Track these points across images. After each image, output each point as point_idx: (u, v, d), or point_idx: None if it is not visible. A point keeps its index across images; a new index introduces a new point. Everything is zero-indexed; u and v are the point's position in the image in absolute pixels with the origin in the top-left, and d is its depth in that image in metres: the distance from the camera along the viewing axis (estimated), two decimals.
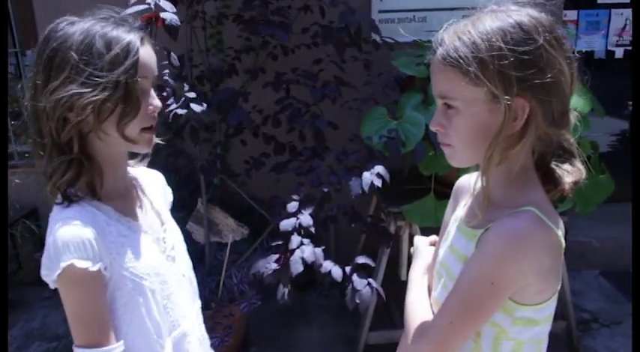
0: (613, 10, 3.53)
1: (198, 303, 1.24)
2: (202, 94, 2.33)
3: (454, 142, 0.95)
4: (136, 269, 1.03)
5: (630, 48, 3.53)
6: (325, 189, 2.15)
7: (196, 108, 2.09)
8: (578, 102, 2.26)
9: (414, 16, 3.12)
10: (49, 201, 1.03)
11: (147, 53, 1.01)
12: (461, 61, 0.88)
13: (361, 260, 2.06)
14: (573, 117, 0.95)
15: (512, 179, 0.94)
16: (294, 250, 1.98)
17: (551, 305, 0.95)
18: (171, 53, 2.10)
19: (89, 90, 0.94)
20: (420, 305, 1.07)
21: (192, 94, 2.14)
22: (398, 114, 2.43)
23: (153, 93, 1.05)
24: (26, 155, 3.29)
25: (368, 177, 2.09)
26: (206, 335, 1.25)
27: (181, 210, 2.66)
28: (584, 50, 3.53)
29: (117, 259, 1.00)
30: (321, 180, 2.17)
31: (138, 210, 1.11)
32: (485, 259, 0.90)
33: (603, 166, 2.55)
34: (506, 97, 0.86)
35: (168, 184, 1.29)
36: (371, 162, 2.15)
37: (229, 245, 2.50)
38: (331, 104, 2.49)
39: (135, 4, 1.86)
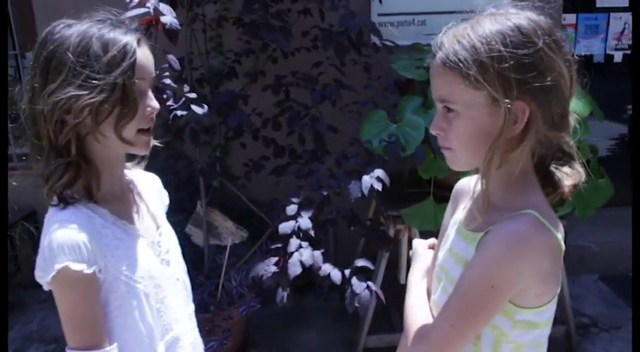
0: (612, 14, 3.53)
1: (192, 307, 1.23)
2: (202, 97, 2.33)
3: (454, 146, 0.95)
4: (131, 273, 1.02)
5: (629, 52, 3.53)
6: (325, 193, 2.15)
7: (197, 109, 2.08)
8: (577, 105, 2.25)
9: (413, 19, 3.12)
10: (46, 203, 1.02)
11: (144, 55, 1.01)
12: (460, 64, 0.88)
13: (360, 263, 2.06)
14: (573, 119, 0.95)
15: (512, 182, 0.94)
16: (292, 253, 1.98)
17: (551, 309, 0.95)
18: (171, 56, 2.10)
19: (86, 92, 0.94)
20: (419, 308, 1.07)
21: (192, 95, 2.13)
22: (398, 118, 2.43)
23: (150, 94, 1.05)
24: (24, 157, 3.28)
25: (367, 180, 2.09)
26: (200, 340, 1.24)
27: (181, 213, 2.66)
28: (583, 54, 3.53)
29: (111, 262, 1.00)
30: (321, 183, 2.17)
31: (134, 214, 1.11)
32: (486, 262, 0.90)
33: (602, 170, 2.55)
34: (506, 100, 0.86)
35: (168, 187, 1.28)
36: (370, 166, 2.15)
37: (228, 248, 2.50)
38: (331, 107, 2.49)
39: (134, 7, 1.86)
